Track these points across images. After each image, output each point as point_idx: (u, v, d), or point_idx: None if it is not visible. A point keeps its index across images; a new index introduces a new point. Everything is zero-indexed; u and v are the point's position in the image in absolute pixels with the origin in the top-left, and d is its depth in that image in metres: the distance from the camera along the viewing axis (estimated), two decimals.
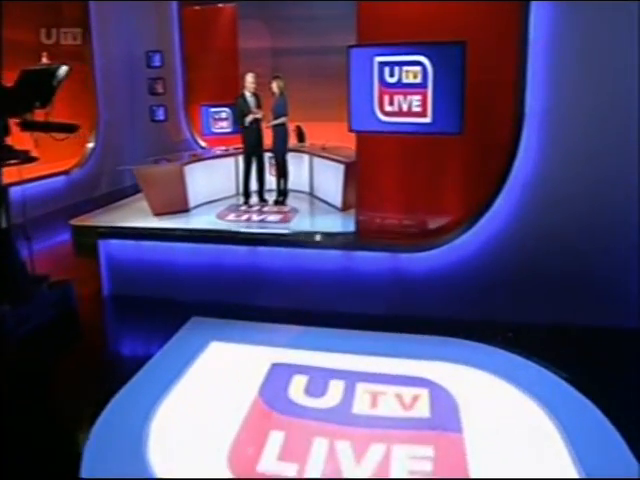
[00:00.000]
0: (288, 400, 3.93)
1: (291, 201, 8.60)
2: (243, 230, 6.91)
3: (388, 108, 4.72)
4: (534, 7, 4.43)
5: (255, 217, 7.68)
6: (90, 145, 10.19)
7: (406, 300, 5.05)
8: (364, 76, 4.73)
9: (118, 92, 10.76)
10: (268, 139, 8.43)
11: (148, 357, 4.64)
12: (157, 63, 11.05)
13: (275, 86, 8.20)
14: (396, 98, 4.66)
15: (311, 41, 11.23)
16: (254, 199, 8.60)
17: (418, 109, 4.61)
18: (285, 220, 7.51)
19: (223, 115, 11.08)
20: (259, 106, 8.33)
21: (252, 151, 8.34)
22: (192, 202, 8.17)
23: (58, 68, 4.90)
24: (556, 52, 4.49)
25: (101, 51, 10.36)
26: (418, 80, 4.55)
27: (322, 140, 9.70)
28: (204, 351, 4.65)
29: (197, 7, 11.15)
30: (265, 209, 8.18)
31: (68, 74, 4.91)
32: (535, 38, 4.48)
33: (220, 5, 11.26)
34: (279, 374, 4.28)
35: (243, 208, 8.24)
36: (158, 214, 7.84)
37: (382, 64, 4.66)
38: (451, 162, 4.96)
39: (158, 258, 5.80)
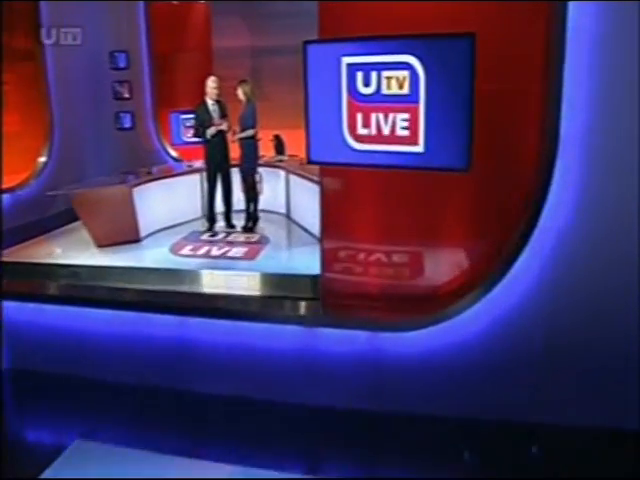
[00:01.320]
0: None
1: (264, 225, 7.02)
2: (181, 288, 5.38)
3: (362, 131, 3.12)
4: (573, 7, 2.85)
5: (215, 251, 6.10)
6: (42, 159, 8.61)
7: (387, 393, 3.48)
8: (327, 84, 3.14)
9: (78, 97, 9.15)
10: (236, 152, 6.87)
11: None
12: (122, 64, 9.44)
13: (241, 92, 6.59)
14: (373, 117, 3.06)
15: (295, 39, 9.53)
16: (221, 223, 7.03)
17: (405, 133, 3.02)
18: (250, 255, 5.93)
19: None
20: (224, 115, 6.74)
21: (216, 168, 6.77)
22: (145, 230, 6.60)
23: None
24: (606, 58, 2.92)
25: (55, 51, 8.77)
26: (405, 90, 2.96)
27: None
28: None
29: (166, 2, 9.53)
30: (230, 238, 6.59)
31: None
32: (576, 40, 2.90)
33: (192, 1, 9.63)
34: None
35: (205, 237, 6.66)
36: (102, 245, 6.28)
37: (353, 67, 3.06)
38: (452, 203, 3.37)
39: (67, 325, 4.23)
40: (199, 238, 6.56)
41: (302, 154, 8.39)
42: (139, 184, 6.42)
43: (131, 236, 6.37)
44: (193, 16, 9.48)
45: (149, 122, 9.56)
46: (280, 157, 7.84)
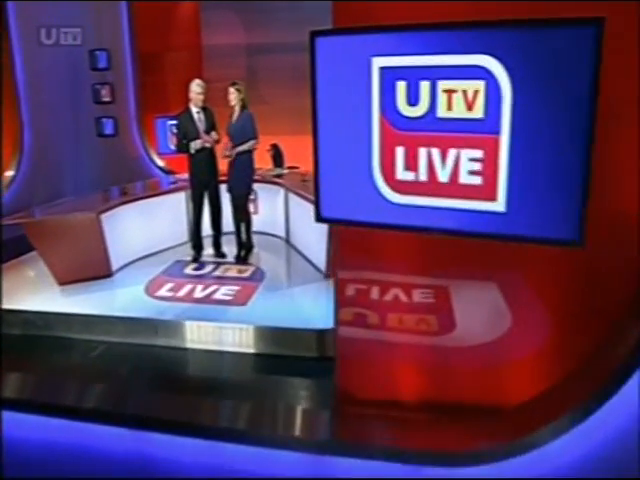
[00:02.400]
0: None
1: (260, 253, 5.80)
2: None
3: (403, 175, 1.87)
4: None
5: (200, 291, 4.87)
6: (9, 173, 7.36)
7: None
8: (348, 100, 1.89)
9: (53, 101, 7.90)
10: (225, 166, 5.62)
11: None
12: (103, 64, 8.16)
13: (235, 97, 5.34)
14: (422, 153, 1.82)
15: (295, 35, 8.26)
16: (209, 250, 5.79)
17: (475, 180, 1.78)
18: (242, 297, 4.70)
19: None
20: (212, 126, 5.47)
21: (202, 186, 5.53)
22: (117, 261, 5.35)
23: None
24: None
25: (27, 50, 7.51)
26: (476, 113, 1.72)
27: (307, 162, 6.90)
28: None
29: None
30: (220, 271, 5.36)
31: None
32: None
33: None
34: None
35: (189, 269, 5.43)
36: (64, 283, 5.05)
37: (390, 74, 1.82)
38: (533, 280, 2.16)
39: None
40: (182, 272, 5.32)
41: (304, 165, 7.20)
42: (109, 209, 5.18)
43: (100, 271, 5.13)
44: (181, 11, 8.18)
45: (133, 128, 8.29)
46: (278, 170, 6.59)
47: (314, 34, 1.95)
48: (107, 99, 8.19)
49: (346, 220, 2.02)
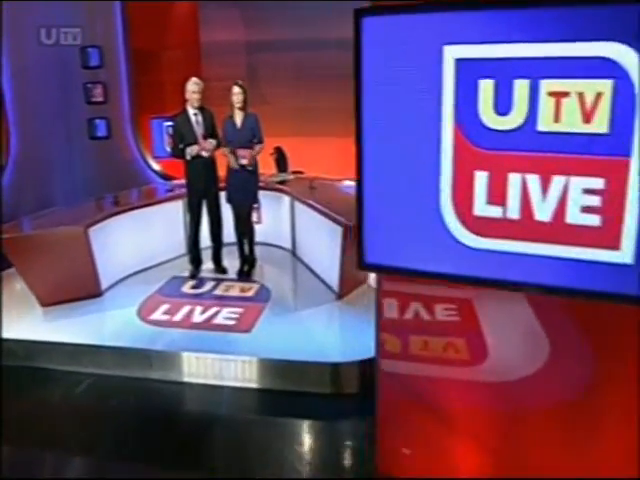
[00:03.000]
0: None
1: (264, 267, 5.22)
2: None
3: (486, 210, 1.32)
4: None
5: (199, 314, 4.30)
6: None
7: None
8: (407, 104, 1.37)
9: (42, 101, 7.30)
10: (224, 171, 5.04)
11: None
12: (95, 62, 7.56)
13: (239, 98, 4.78)
14: (514, 181, 1.30)
15: (298, 32, 7.70)
16: (208, 264, 5.23)
17: (591, 219, 1.26)
18: (246, 322, 4.11)
19: None
20: (211, 129, 4.88)
21: (201, 194, 4.97)
22: (108, 279, 4.76)
23: None
24: None
25: (13, 47, 6.91)
26: (597, 126, 1.22)
27: (312, 166, 6.34)
28: None
29: None
30: (220, 289, 4.79)
31: None
32: None
33: None
34: None
35: (187, 287, 4.86)
36: (48, 304, 4.48)
37: (470, 68, 1.31)
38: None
39: None
40: (179, 290, 4.75)
41: (309, 170, 6.61)
42: (98, 221, 4.60)
43: (88, 290, 4.55)
44: (178, 7, 7.57)
45: (127, 130, 7.69)
46: (283, 176, 6.01)
47: (360, 13, 1.37)
48: (99, 99, 7.59)
49: (401, 269, 1.46)
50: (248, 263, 5.02)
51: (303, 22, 7.72)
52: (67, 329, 4.07)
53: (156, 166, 7.66)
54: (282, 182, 5.82)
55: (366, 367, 3.31)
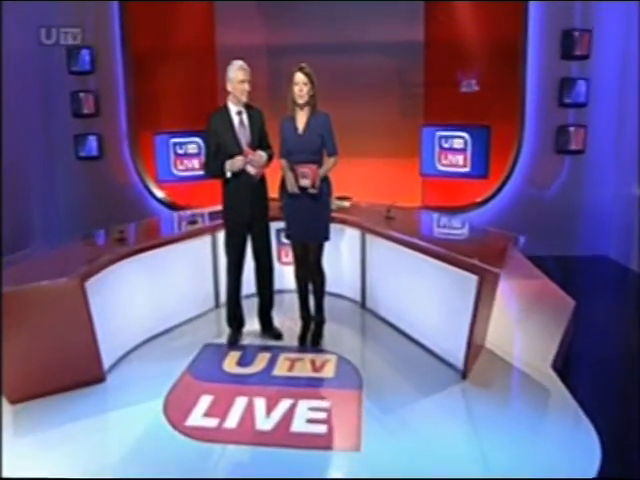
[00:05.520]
0: None
1: (329, 325, 3.66)
2: None
3: None
4: None
5: (262, 414, 2.62)
6: None
7: None
8: None
9: (20, 113, 5.73)
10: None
11: None
12: (85, 66, 6.03)
13: (301, 91, 3.32)
14: None
15: (327, 35, 6.30)
16: (252, 326, 3.66)
17: None
18: (344, 430, 2.49)
19: (192, 148, 6.14)
20: (261, 136, 3.41)
21: (244, 227, 3.46)
22: (111, 354, 3.16)
23: None
24: None
25: None
26: None
27: (358, 190, 4.82)
28: None
29: None
30: (280, 369, 3.13)
31: None
32: None
33: None
34: None
35: (229, 363, 3.23)
36: (20, 400, 2.84)
37: None
38: None
39: None
40: (220, 367, 3.15)
41: (355, 195, 5.08)
42: (96, 270, 3.01)
43: (84, 373, 2.92)
44: (189, 4, 6.10)
45: (124, 148, 6.13)
46: (338, 204, 4.49)
47: None
48: (90, 111, 6.05)
49: None
50: (315, 323, 3.46)
51: (332, 24, 6.34)
52: (53, 452, 2.44)
53: (159, 193, 6.11)
54: (338, 210, 4.30)
55: None
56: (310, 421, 2.59)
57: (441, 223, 3.98)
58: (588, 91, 5.56)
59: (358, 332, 3.76)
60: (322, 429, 2.54)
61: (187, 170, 6.07)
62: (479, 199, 5.76)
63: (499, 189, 5.75)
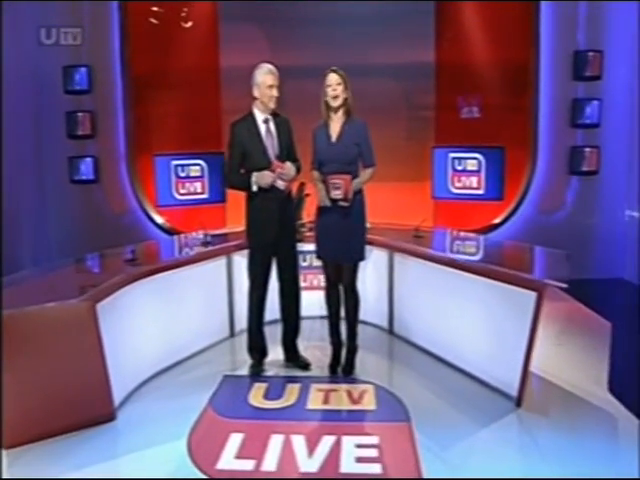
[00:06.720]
0: None
1: (363, 363, 3.27)
2: None
3: None
4: None
5: (304, 453, 2.30)
6: None
7: None
8: None
9: (10, 133, 5.42)
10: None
11: None
12: (82, 85, 5.76)
13: (334, 93, 3.08)
14: None
15: (335, 56, 6.15)
16: (275, 355, 3.32)
17: None
18: (401, 467, 2.25)
19: (194, 171, 5.85)
20: (288, 146, 3.18)
21: (269, 248, 3.16)
22: (121, 388, 2.82)
23: None
24: None
25: None
26: None
27: (377, 214, 4.56)
28: None
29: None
30: (314, 402, 2.81)
31: None
32: None
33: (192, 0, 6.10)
34: None
35: (255, 396, 2.89)
36: (15, 445, 2.44)
37: None
38: None
39: None
40: (245, 401, 2.81)
41: (374, 218, 4.68)
42: (110, 292, 2.68)
43: (94, 409, 2.56)
44: (194, 22, 5.92)
45: (122, 171, 5.81)
46: None
47: None
48: (86, 132, 5.74)
49: None
50: (347, 352, 3.14)
51: (340, 45, 6.18)
52: None
53: (159, 218, 5.78)
54: None
55: None
56: (360, 460, 2.25)
57: (474, 241, 3.74)
58: (600, 112, 5.47)
59: (390, 359, 3.45)
60: (376, 469, 2.19)
61: (189, 194, 5.76)
62: (497, 220, 5.55)
63: (513, 211, 5.56)
